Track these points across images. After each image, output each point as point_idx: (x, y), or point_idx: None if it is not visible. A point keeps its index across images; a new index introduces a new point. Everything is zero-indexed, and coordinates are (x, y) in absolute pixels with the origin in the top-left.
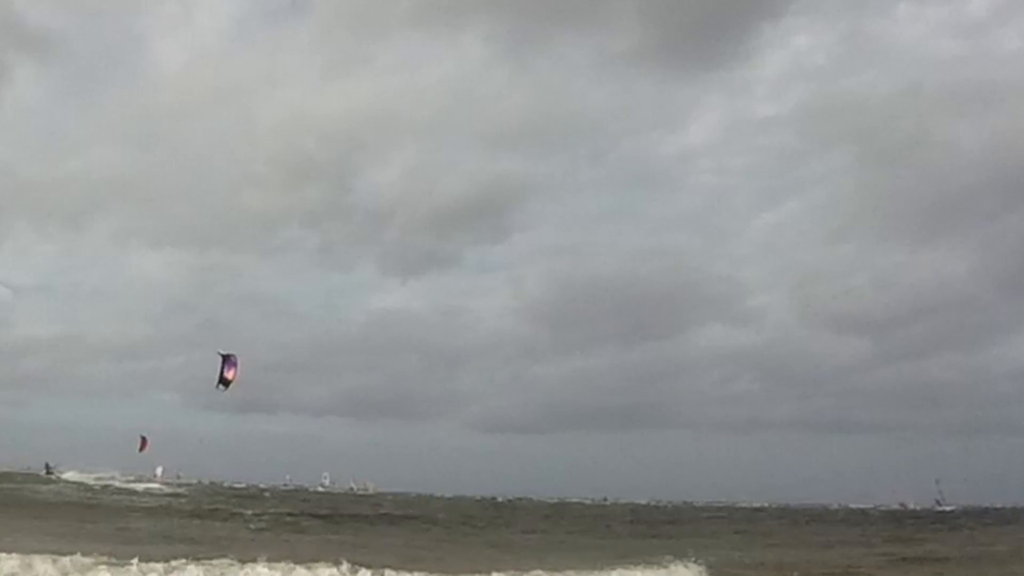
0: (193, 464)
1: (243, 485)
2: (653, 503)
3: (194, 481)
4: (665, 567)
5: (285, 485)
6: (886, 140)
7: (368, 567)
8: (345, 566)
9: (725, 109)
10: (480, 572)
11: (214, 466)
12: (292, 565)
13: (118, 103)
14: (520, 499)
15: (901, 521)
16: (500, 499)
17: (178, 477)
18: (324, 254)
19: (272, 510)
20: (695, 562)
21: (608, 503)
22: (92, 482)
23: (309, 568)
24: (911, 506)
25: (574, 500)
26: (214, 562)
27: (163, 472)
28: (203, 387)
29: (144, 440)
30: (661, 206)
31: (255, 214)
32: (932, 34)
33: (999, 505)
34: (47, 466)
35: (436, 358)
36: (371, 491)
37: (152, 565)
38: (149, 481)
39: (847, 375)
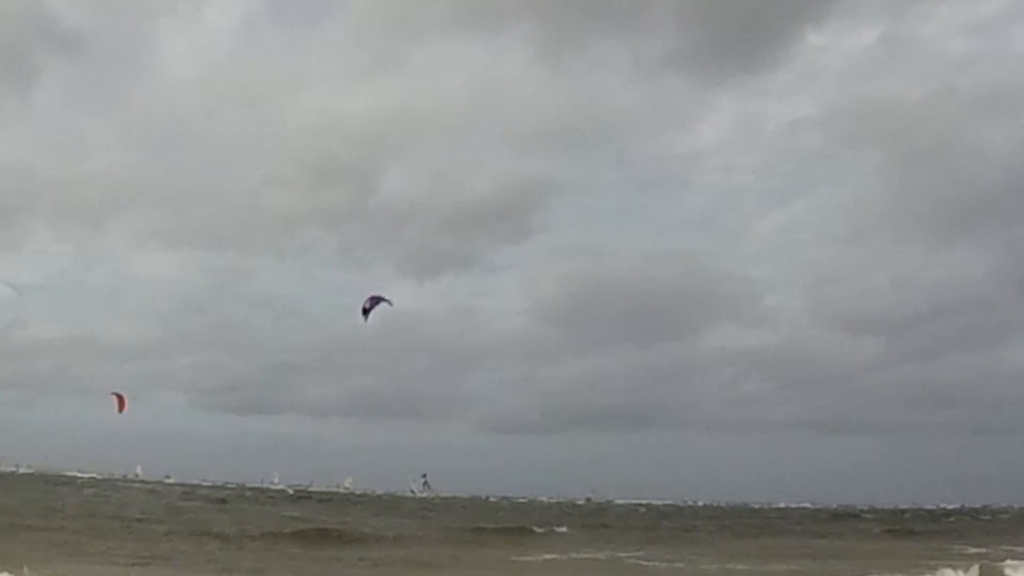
0: (193, 465)
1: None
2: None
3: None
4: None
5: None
6: (915, 142)
7: None
8: None
9: (753, 111)
10: None
11: (213, 467)
12: None
13: (142, 103)
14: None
15: None
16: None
17: (167, 478)
18: (343, 256)
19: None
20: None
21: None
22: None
23: None
24: None
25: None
26: None
27: (143, 471)
28: (209, 387)
29: (121, 399)
30: (682, 208)
31: (276, 215)
32: (965, 36)
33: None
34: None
35: (448, 359)
36: (345, 488)
37: None
38: (133, 480)
39: (861, 375)
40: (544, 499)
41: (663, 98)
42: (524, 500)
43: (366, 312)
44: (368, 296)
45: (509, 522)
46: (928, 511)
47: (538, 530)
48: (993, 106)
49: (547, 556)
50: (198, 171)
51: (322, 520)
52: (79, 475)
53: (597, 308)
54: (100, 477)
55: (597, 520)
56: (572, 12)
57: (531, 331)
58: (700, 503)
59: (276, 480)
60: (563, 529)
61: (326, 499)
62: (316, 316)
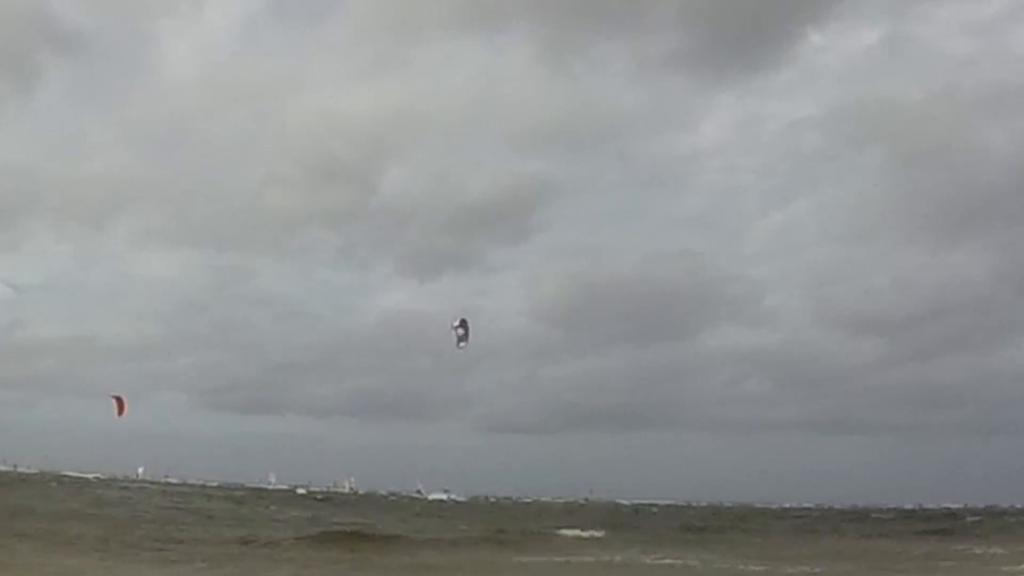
0: (194, 465)
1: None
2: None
3: (198, 482)
4: None
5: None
6: (916, 142)
7: None
8: None
9: (754, 111)
10: None
11: (213, 467)
12: None
13: (142, 103)
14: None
15: None
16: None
17: (165, 477)
18: (344, 256)
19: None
20: None
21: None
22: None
23: None
24: None
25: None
26: None
27: (144, 471)
28: (210, 387)
29: (120, 402)
30: (682, 207)
31: (277, 215)
32: (966, 37)
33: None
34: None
35: (447, 359)
36: (348, 489)
37: None
38: (135, 480)
39: (862, 375)
40: (545, 499)
41: (664, 98)
42: (529, 500)
43: (462, 338)
44: (456, 327)
45: (535, 524)
46: (931, 511)
47: (582, 533)
48: (994, 106)
49: (593, 558)
50: (198, 171)
51: (344, 522)
52: (81, 475)
53: (597, 308)
54: (103, 477)
55: (619, 521)
56: (573, 12)
57: (531, 331)
58: (703, 503)
59: (272, 480)
60: (595, 532)
61: (332, 500)
62: (316, 316)
